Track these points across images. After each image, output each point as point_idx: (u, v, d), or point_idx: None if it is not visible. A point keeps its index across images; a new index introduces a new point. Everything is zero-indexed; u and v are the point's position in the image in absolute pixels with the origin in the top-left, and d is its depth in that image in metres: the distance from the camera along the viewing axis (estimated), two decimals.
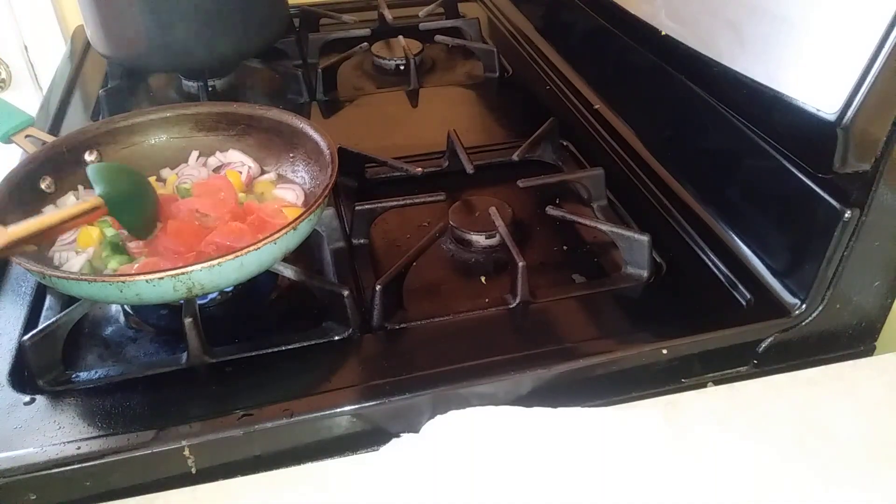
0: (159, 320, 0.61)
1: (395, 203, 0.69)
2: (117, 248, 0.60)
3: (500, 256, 0.67)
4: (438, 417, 0.51)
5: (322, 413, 0.51)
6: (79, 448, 0.49)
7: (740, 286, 0.61)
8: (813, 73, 0.52)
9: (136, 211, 0.61)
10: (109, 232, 0.61)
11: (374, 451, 0.51)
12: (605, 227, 0.65)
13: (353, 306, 0.58)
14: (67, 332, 0.57)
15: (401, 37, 1.05)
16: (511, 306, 0.60)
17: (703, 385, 0.57)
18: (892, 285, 0.59)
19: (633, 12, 0.76)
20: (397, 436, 0.51)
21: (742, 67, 0.59)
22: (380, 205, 0.68)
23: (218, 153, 0.71)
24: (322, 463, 0.50)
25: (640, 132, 0.79)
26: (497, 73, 0.99)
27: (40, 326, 0.57)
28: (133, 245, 0.61)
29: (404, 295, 0.62)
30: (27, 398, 0.53)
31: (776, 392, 0.54)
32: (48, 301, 0.62)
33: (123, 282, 0.51)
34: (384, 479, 0.48)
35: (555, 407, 0.52)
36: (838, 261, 0.55)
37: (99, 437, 0.50)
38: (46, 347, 0.56)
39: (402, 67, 1.01)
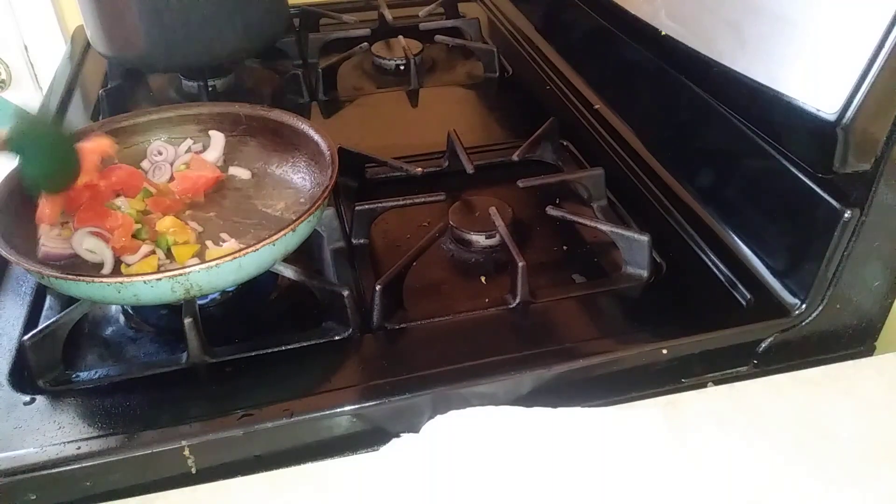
0: (159, 320, 0.61)
1: (395, 203, 0.69)
2: None
3: (500, 256, 0.67)
4: (438, 417, 0.51)
5: (322, 413, 0.51)
6: (79, 448, 0.49)
7: (740, 286, 0.60)
8: (813, 73, 0.52)
9: (45, 167, 0.60)
10: None
11: (374, 451, 0.51)
12: (605, 227, 0.65)
13: (353, 306, 0.58)
14: (67, 332, 0.57)
15: (401, 37, 1.05)
16: (511, 306, 0.60)
17: (703, 385, 0.57)
18: (892, 285, 0.59)
19: (633, 12, 0.76)
20: (397, 436, 0.51)
21: (742, 67, 0.59)
22: (380, 205, 0.68)
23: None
24: (322, 463, 0.50)
25: (640, 132, 0.79)
26: (497, 73, 0.99)
27: (40, 326, 0.57)
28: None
29: (404, 295, 0.62)
30: (27, 398, 0.53)
31: (776, 392, 0.54)
32: (48, 301, 0.63)
33: (121, 282, 0.51)
34: (384, 479, 0.48)
35: (555, 407, 0.52)
36: (838, 261, 0.55)
37: (99, 437, 0.50)
38: (46, 347, 0.56)
39: (402, 67, 1.01)
